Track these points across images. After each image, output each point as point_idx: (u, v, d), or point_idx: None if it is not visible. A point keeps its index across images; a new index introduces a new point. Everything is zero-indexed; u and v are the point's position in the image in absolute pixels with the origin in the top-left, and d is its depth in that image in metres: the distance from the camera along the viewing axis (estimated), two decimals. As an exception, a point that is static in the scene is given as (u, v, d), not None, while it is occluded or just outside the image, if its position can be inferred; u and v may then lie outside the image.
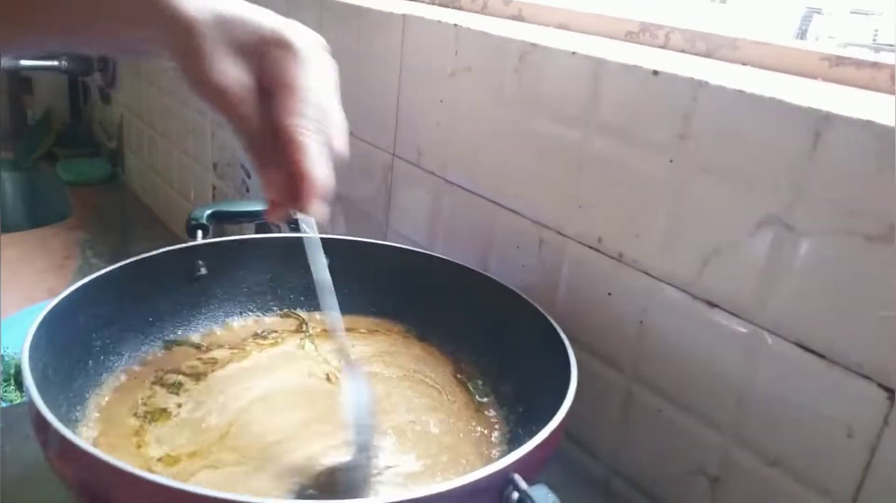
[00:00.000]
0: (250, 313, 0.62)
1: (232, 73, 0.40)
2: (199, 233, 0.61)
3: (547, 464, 0.42)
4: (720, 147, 0.48)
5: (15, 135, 1.84)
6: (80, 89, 1.82)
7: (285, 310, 0.63)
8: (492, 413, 0.55)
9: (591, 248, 0.58)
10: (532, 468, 0.39)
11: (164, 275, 0.57)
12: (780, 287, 0.46)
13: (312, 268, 0.45)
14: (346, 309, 0.62)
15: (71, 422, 0.46)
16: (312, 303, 0.64)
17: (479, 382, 0.58)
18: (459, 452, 0.50)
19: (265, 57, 0.41)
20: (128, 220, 1.44)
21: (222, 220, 0.64)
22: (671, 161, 0.51)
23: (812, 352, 0.44)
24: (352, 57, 0.81)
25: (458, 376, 0.59)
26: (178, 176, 1.33)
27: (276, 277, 0.63)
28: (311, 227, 0.45)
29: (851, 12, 0.87)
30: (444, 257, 0.64)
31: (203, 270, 0.59)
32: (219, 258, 0.59)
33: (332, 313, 0.46)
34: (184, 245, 0.57)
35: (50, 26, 0.38)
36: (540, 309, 0.55)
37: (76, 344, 0.50)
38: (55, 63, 1.54)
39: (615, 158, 0.55)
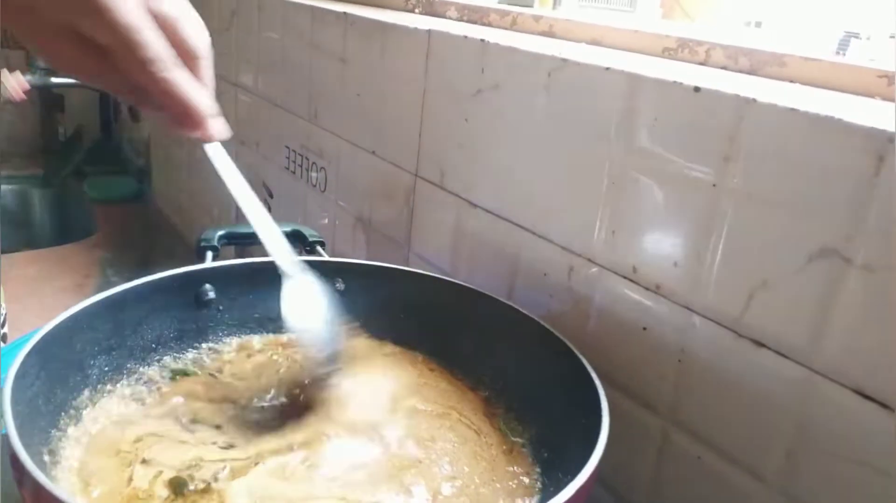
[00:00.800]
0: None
1: (67, 53, 0.41)
2: (209, 254, 0.58)
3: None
4: (769, 171, 0.43)
5: (46, 151, 1.85)
6: (110, 106, 1.83)
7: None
8: (526, 456, 0.51)
9: (625, 277, 0.53)
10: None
11: (170, 298, 0.53)
12: (836, 326, 0.41)
13: (227, 183, 0.47)
14: (364, 332, 0.60)
15: (56, 457, 0.43)
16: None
17: (513, 422, 0.54)
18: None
19: (80, 27, 0.40)
20: (152, 239, 1.43)
21: (234, 241, 0.61)
22: (714, 185, 0.46)
23: (873, 400, 0.40)
24: (376, 74, 0.78)
25: (489, 414, 0.55)
26: (202, 194, 1.31)
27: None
28: (215, 149, 0.47)
29: (891, 36, 0.82)
30: (466, 284, 0.60)
31: (211, 294, 0.56)
32: (227, 282, 0.56)
33: (258, 218, 0.47)
34: (191, 268, 0.54)
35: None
36: (567, 342, 0.51)
37: (71, 371, 0.47)
38: (85, 80, 1.54)
39: (652, 182, 0.51)
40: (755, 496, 0.46)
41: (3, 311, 0.95)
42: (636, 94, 0.51)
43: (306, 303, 0.47)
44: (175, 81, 0.42)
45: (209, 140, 0.45)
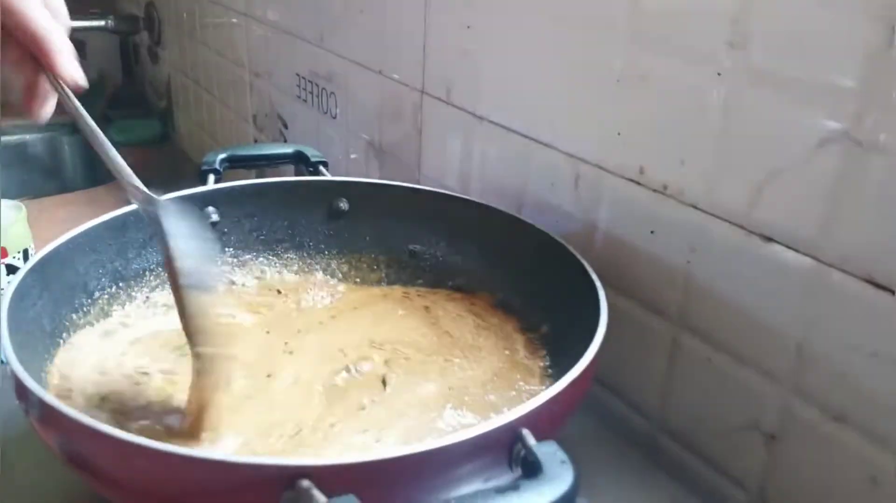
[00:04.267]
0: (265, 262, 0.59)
1: None
2: (211, 177, 0.58)
3: (569, 419, 0.37)
4: (775, 54, 0.41)
5: (71, 98, 1.87)
6: (130, 50, 1.82)
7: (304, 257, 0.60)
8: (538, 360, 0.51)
9: (631, 180, 0.52)
10: (548, 423, 0.34)
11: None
12: (848, 215, 0.39)
13: (79, 122, 0.44)
14: (375, 253, 0.59)
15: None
16: (333, 251, 0.60)
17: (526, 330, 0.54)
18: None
19: None
20: (176, 179, 1.44)
21: (236, 164, 0.60)
22: (719, 74, 0.44)
23: (885, 288, 0.38)
24: (377, -11, 0.76)
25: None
26: (221, 131, 1.31)
27: (292, 224, 0.59)
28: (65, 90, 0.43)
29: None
30: (473, 199, 0.58)
31: (214, 217, 0.56)
32: (229, 203, 0.55)
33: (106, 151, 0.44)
34: (191, 191, 0.54)
35: None
36: (572, 250, 0.50)
37: (76, 293, 0.47)
38: (102, 23, 1.54)
39: (656, 75, 0.48)
40: (767, 395, 0.45)
41: (33, 252, 0.97)
42: (637, -17, 0.48)
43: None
44: (29, 10, 0.40)
45: (60, 75, 0.42)
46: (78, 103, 0.44)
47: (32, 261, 0.43)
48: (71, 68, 0.42)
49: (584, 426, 0.52)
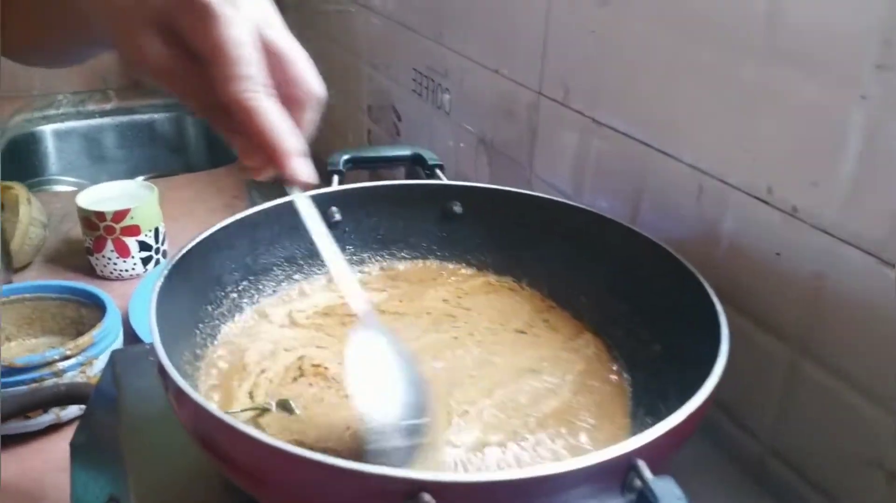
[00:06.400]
0: (382, 260, 0.61)
1: (152, 49, 0.37)
2: (336, 178, 0.60)
3: (682, 447, 0.37)
4: (930, 78, 0.38)
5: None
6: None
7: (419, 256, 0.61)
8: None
9: (758, 199, 0.50)
10: (664, 453, 0.34)
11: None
12: None
13: (308, 226, 0.42)
14: (485, 256, 0.60)
15: (200, 362, 0.48)
16: (446, 253, 0.62)
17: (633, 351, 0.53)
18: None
19: (178, 22, 0.36)
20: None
21: (360, 165, 0.62)
22: (863, 97, 0.42)
23: None
24: (499, -12, 0.76)
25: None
26: (336, 120, 1.35)
27: (408, 225, 0.60)
28: (297, 191, 0.42)
29: None
30: (587, 207, 0.58)
31: (337, 216, 0.58)
32: (351, 204, 0.58)
33: (338, 268, 0.42)
34: (316, 192, 0.57)
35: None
36: (691, 268, 0.49)
37: (210, 286, 0.51)
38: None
39: (792, 92, 0.46)
40: (892, 434, 0.43)
41: (163, 230, 1.04)
42: (777, -4, 0.46)
43: (373, 359, 0.41)
44: (262, 108, 0.37)
45: (289, 178, 0.39)
46: (310, 206, 0.42)
47: (176, 256, 0.46)
48: (302, 172, 0.39)
49: (693, 443, 0.51)
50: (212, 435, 0.36)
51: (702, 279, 0.47)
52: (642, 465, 0.32)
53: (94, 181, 1.14)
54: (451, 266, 0.61)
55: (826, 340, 0.47)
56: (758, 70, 0.48)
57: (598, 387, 0.50)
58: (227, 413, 0.36)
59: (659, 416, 0.36)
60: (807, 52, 0.45)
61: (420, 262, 0.61)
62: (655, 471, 0.32)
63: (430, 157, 0.66)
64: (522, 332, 0.54)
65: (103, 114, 1.71)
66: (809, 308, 0.47)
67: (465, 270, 0.60)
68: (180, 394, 0.36)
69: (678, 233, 0.57)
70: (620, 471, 0.32)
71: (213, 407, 0.35)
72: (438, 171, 0.65)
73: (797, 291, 0.48)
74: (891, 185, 0.41)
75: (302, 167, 0.39)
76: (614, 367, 0.52)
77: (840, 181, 0.44)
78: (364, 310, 0.42)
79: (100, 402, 0.54)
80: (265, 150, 0.38)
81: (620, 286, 0.55)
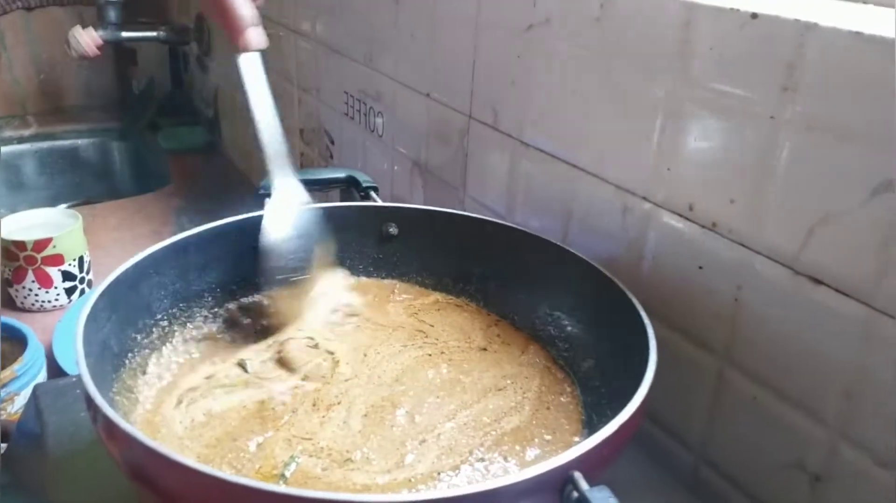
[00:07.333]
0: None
1: None
2: (268, 201, 0.59)
3: (618, 458, 0.38)
4: (830, 101, 0.41)
5: (122, 105, 1.92)
6: (180, 59, 1.87)
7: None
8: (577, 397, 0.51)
9: (680, 215, 0.52)
10: (599, 464, 0.35)
11: (229, 245, 0.56)
12: (902, 263, 0.39)
13: (248, 93, 0.55)
14: (422, 277, 0.61)
15: (131, 392, 0.46)
16: (383, 273, 0.62)
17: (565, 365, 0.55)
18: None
19: None
20: (223, 188, 1.47)
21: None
22: (772, 117, 0.44)
23: (939, 339, 0.38)
24: (429, 13, 0.77)
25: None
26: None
27: (344, 247, 0.60)
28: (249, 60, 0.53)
29: None
30: (518, 227, 0.59)
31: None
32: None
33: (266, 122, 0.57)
34: (248, 215, 0.56)
35: None
36: (619, 284, 0.50)
37: (140, 314, 0.50)
38: (154, 34, 1.58)
39: (708, 115, 0.49)
40: (813, 436, 0.45)
41: (88, 259, 1.01)
42: (692, 23, 0.48)
43: (286, 214, 0.53)
44: None
45: (244, 47, 0.51)
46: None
47: (103, 284, 0.45)
48: (253, 40, 0.52)
49: (628, 454, 0.52)
50: (145, 466, 0.35)
51: (630, 294, 0.49)
52: (578, 477, 0.33)
53: (13, 210, 1.09)
54: (399, 284, 0.62)
55: (748, 350, 0.49)
56: (674, 92, 0.51)
57: (555, 400, 0.51)
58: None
59: (593, 428, 0.37)
60: (719, 74, 0.47)
61: (364, 279, 0.62)
62: (592, 482, 0.33)
63: (365, 179, 0.66)
64: (484, 349, 0.55)
65: (22, 140, 1.65)
66: (731, 318, 0.49)
67: (412, 288, 0.62)
68: (110, 424, 0.35)
69: (606, 250, 0.58)
70: (557, 484, 0.33)
71: (144, 437, 0.34)
72: (373, 193, 0.65)
73: (720, 303, 0.50)
74: (803, 201, 0.44)
75: (254, 35, 0.52)
76: (566, 381, 0.53)
77: (755, 197, 0.46)
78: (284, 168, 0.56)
79: (22, 440, 0.52)
80: (229, 26, 0.51)
81: (557, 303, 0.56)
